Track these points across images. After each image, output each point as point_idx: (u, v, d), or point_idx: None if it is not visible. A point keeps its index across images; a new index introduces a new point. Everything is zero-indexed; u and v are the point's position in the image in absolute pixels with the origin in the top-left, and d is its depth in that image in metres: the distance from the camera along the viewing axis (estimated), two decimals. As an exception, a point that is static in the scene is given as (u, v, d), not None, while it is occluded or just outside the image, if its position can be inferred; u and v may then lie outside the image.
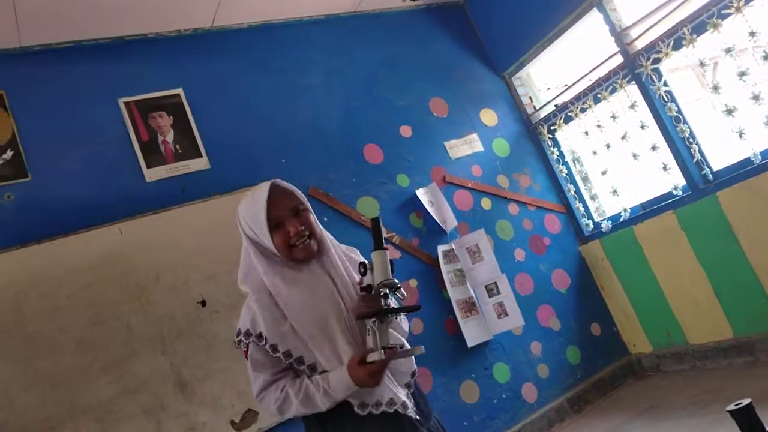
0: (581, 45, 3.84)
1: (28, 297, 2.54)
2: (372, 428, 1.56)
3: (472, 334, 3.39)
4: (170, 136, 3.04)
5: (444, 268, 3.46)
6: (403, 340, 1.65)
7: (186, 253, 2.87)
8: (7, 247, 2.57)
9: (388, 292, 1.54)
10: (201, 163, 3.08)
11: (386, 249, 1.58)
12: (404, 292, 1.59)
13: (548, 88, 4.16)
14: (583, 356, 3.70)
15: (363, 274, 1.57)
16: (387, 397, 1.56)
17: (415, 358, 1.75)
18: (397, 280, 1.56)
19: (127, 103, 3.01)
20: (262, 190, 1.63)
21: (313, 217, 1.69)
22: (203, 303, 2.82)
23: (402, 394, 1.59)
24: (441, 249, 3.50)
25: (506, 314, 3.46)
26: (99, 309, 2.64)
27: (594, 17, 3.54)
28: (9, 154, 2.70)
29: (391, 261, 1.58)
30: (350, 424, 1.57)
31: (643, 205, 3.61)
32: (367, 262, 1.58)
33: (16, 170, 2.70)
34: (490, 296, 3.49)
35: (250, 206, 1.65)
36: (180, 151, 3.04)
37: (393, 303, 1.61)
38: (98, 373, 2.56)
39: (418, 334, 3.30)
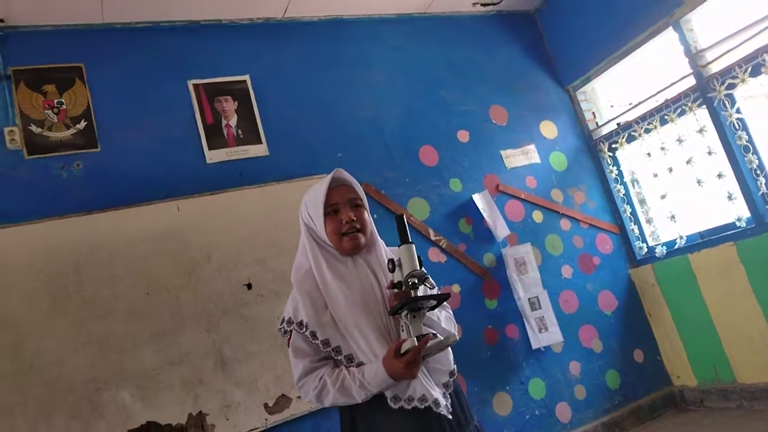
0: (651, 63, 3.73)
1: (88, 262, 2.66)
2: (399, 422, 1.57)
3: (534, 338, 3.41)
4: (233, 121, 3.12)
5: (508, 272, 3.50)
6: (441, 337, 1.65)
7: (238, 235, 2.94)
8: (73, 212, 2.70)
9: (416, 282, 1.55)
10: (260, 150, 3.15)
11: (412, 243, 1.59)
12: (433, 282, 1.59)
13: (611, 106, 4.07)
14: (622, 382, 3.61)
15: (392, 271, 1.58)
16: (420, 392, 1.56)
17: (454, 360, 1.75)
18: (425, 271, 1.57)
19: (196, 86, 3.10)
20: (329, 175, 1.70)
21: (367, 214, 1.73)
22: (249, 286, 2.89)
23: (436, 392, 1.59)
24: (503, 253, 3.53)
25: (546, 329, 3.42)
26: (152, 281, 2.74)
27: (668, 36, 3.45)
28: (82, 124, 2.83)
29: (419, 256, 1.58)
30: (378, 416, 1.59)
31: (702, 234, 3.49)
32: (395, 259, 1.60)
33: (87, 140, 2.82)
34: (532, 309, 3.46)
35: (314, 190, 1.72)
36: (241, 136, 3.12)
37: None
38: (145, 342, 2.65)
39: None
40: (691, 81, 3.34)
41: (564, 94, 4.13)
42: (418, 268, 1.55)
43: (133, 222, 2.78)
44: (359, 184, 1.78)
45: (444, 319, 1.74)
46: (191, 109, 3.07)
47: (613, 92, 4.08)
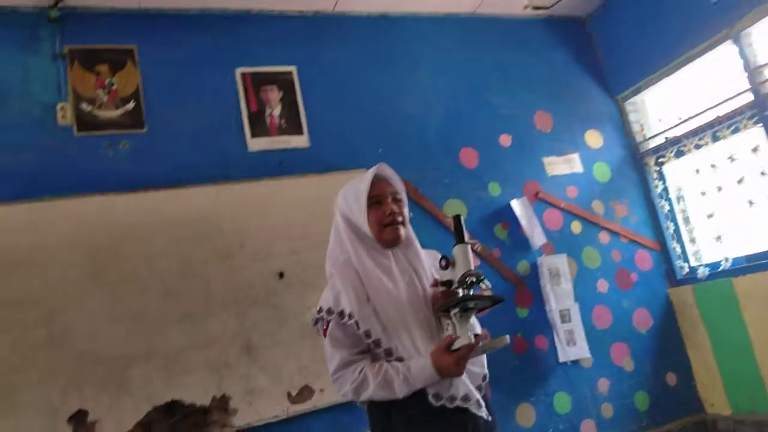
0: (706, 77, 3.60)
1: (127, 239, 2.71)
2: (438, 421, 1.54)
3: (561, 350, 3.34)
4: (277, 111, 3.15)
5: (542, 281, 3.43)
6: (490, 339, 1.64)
7: (273, 224, 2.96)
8: (115, 190, 2.76)
9: (474, 281, 1.53)
10: (301, 141, 3.16)
11: (468, 243, 1.58)
12: (488, 284, 1.57)
13: (659, 120, 3.95)
14: (652, 404, 3.50)
15: (444, 268, 1.57)
16: (463, 391, 1.55)
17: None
18: (481, 272, 1.55)
19: (243, 74, 3.14)
20: (372, 169, 1.72)
21: (407, 210, 1.73)
22: (281, 275, 2.91)
23: (477, 393, 1.57)
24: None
25: (574, 344, 3.35)
26: (187, 263, 2.78)
27: (726, 49, 3.33)
28: (131, 105, 2.89)
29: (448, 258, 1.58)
30: (417, 414, 1.56)
31: (749, 258, 3.35)
32: (448, 257, 1.58)
33: (134, 121, 2.88)
34: (562, 321, 3.39)
35: (356, 183, 1.73)
36: (284, 126, 3.14)
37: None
38: (176, 322, 2.69)
39: (483, 345, 3.24)
40: (748, 97, 3.21)
41: (612, 103, 4.03)
42: (472, 268, 1.54)
43: (172, 204, 2.83)
44: (401, 182, 1.78)
45: (476, 323, 1.72)
46: (236, 97, 3.11)
47: (664, 104, 3.96)
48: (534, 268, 3.46)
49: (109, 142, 2.83)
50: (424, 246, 3.26)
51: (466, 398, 1.54)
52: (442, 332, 1.59)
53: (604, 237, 3.71)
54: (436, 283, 1.62)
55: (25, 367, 2.45)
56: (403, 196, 1.77)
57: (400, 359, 1.57)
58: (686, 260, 3.76)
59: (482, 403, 1.57)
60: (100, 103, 2.85)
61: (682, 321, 3.71)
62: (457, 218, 1.65)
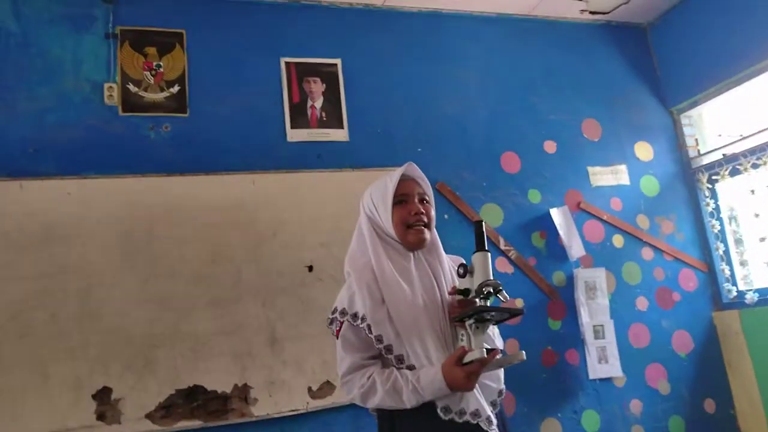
0: (769, 94, 3.42)
1: (161, 221, 2.74)
2: None
3: (593, 366, 3.22)
4: (319, 103, 3.13)
5: (576, 294, 3.30)
6: (506, 354, 1.57)
7: (306, 216, 2.95)
8: (154, 172, 2.79)
9: (491, 291, 1.47)
10: (341, 135, 3.14)
11: (488, 251, 1.52)
12: (507, 295, 1.51)
13: (719, 135, 3.76)
14: (688, 430, 3.34)
15: (462, 276, 1.52)
16: (473, 407, 1.49)
17: (504, 379, 1.66)
18: (500, 282, 1.49)
19: (287, 63, 3.13)
20: (401, 168, 1.68)
21: (433, 213, 1.68)
22: (310, 268, 2.89)
23: (489, 409, 1.51)
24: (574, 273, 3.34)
25: (606, 361, 3.23)
26: (218, 249, 2.79)
27: (795, 66, 3.14)
28: (176, 88, 2.92)
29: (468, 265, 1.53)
30: (424, 427, 1.51)
31: (802, 286, 3.17)
32: (467, 264, 1.53)
33: (178, 104, 2.91)
34: (596, 338, 3.27)
35: (383, 181, 1.69)
36: (324, 119, 3.12)
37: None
38: (204, 308, 2.71)
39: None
40: (814, 118, 3.03)
41: (667, 116, 3.86)
42: (492, 278, 1.48)
43: (208, 189, 2.84)
44: (429, 183, 1.73)
45: (497, 335, 1.65)
46: (280, 86, 3.10)
47: (722, 120, 3.77)
48: (570, 280, 3.35)
49: (152, 125, 2.86)
50: (458, 251, 3.21)
51: (476, 414, 1.48)
52: (457, 342, 1.53)
53: (647, 253, 3.56)
54: (454, 291, 1.56)
55: (59, 339, 2.50)
56: (431, 199, 1.72)
57: (411, 367, 1.53)
58: (734, 284, 3.57)
59: (493, 420, 1.51)
60: (147, 85, 2.88)
61: (725, 347, 3.53)
62: (478, 224, 1.59)
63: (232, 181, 2.88)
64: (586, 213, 3.50)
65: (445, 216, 3.21)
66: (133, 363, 2.56)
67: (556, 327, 3.28)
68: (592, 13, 3.75)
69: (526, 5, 3.59)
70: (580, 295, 3.30)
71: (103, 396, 2.50)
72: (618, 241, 3.52)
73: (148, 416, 2.53)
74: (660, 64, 3.91)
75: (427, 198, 1.71)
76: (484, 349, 1.43)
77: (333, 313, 1.64)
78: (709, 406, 3.43)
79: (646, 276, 3.53)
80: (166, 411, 2.55)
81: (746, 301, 3.39)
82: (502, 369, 1.60)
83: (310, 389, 2.74)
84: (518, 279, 3.28)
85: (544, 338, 3.25)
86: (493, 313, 1.45)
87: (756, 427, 3.35)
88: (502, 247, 3.28)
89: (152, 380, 2.57)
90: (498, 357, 1.46)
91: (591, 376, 3.19)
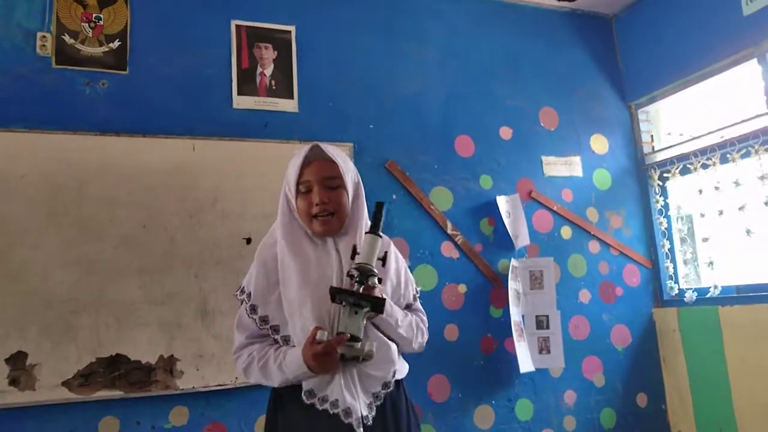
0: (724, 95, 3.42)
1: (92, 182, 2.61)
2: (309, 420, 1.47)
3: (524, 360, 3.16)
4: (269, 70, 3.01)
5: (510, 284, 3.25)
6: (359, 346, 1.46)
7: (249, 186, 2.85)
8: (88, 130, 2.65)
9: (355, 275, 1.42)
10: (290, 105, 3.03)
11: (380, 237, 1.47)
12: (375, 282, 1.45)
13: (668, 133, 3.77)
14: (618, 423, 3.39)
15: (352, 258, 1.47)
16: (335, 396, 1.46)
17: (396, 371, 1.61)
18: (374, 269, 1.43)
19: (238, 27, 3.00)
20: (302, 150, 1.57)
21: (345, 196, 1.59)
22: (248, 240, 2.80)
23: (355, 401, 1.46)
24: (513, 263, 3.29)
25: (548, 351, 3.23)
26: (152, 214, 2.68)
27: (750, 68, 3.14)
28: (116, 44, 2.77)
29: (385, 253, 1.49)
30: (294, 408, 1.50)
31: (739, 288, 3.20)
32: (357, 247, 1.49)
33: (117, 61, 2.76)
34: (538, 328, 3.27)
35: (292, 162, 1.61)
36: (273, 88, 3.01)
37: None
38: (132, 275, 2.60)
39: (451, 340, 3.14)
40: (764, 122, 3.03)
41: (625, 110, 3.85)
42: (371, 263, 1.42)
43: (145, 152, 2.72)
44: (349, 161, 1.65)
45: (407, 325, 1.60)
46: (228, 50, 2.97)
47: (677, 118, 3.78)
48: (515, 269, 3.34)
49: (88, 80, 2.71)
50: (404, 233, 3.15)
51: (336, 404, 1.45)
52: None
53: (594, 246, 3.57)
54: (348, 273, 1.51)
55: (-24, 299, 2.37)
56: (343, 180, 1.59)
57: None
58: (676, 281, 3.61)
59: (357, 412, 1.45)
60: (84, 38, 2.72)
61: (662, 343, 3.58)
62: (379, 205, 1.52)
63: (171, 144, 2.76)
64: (537, 202, 3.48)
65: (393, 196, 3.15)
66: (52, 328, 2.45)
67: (497, 315, 3.27)
68: (558, 0, 3.69)
69: (492, -14, 3.51)
70: (525, 285, 3.29)
71: (17, 360, 2.39)
72: (566, 232, 3.52)
73: (65, 384, 2.43)
74: (622, 57, 3.89)
75: (336, 182, 1.58)
76: (325, 333, 1.40)
77: (238, 288, 1.61)
78: (642, 400, 3.48)
79: (591, 269, 3.54)
80: (84, 379, 2.46)
81: (685, 300, 3.43)
82: (395, 361, 1.56)
83: (238, 364, 2.67)
84: (463, 264, 3.25)
85: (484, 325, 3.24)
86: (353, 298, 1.39)
87: (684, 423, 3.42)
88: (449, 231, 3.24)
89: (72, 347, 2.47)
90: (355, 345, 1.40)
91: (525, 368, 3.15)
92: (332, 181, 1.58)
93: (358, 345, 1.40)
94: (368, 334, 1.48)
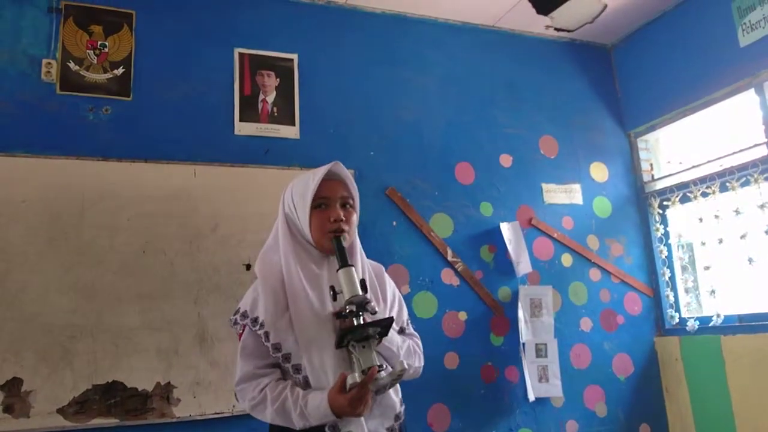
0: (723, 124, 3.45)
1: (93, 208, 2.61)
2: None
3: (534, 386, 3.16)
4: (271, 97, 3.04)
5: (519, 312, 3.24)
6: (397, 361, 1.46)
7: (249, 212, 2.85)
8: (90, 156, 2.66)
9: (354, 309, 1.40)
10: (291, 132, 3.05)
11: (351, 266, 1.44)
12: (374, 307, 1.43)
13: (668, 162, 3.79)
14: (621, 454, 3.34)
15: (334, 300, 1.44)
16: (358, 430, 1.42)
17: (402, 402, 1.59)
18: (367, 296, 1.41)
19: (241, 54, 3.03)
20: (325, 166, 1.58)
21: (355, 218, 1.61)
22: (248, 267, 2.79)
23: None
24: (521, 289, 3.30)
25: (547, 380, 3.20)
26: (152, 240, 2.68)
27: (748, 98, 3.17)
28: (120, 71, 2.80)
29: (362, 280, 1.44)
30: None
31: (741, 317, 3.18)
32: (335, 287, 1.45)
33: (121, 87, 2.78)
34: (537, 356, 3.24)
35: (305, 178, 1.60)
36: (275, 114, 3.03)
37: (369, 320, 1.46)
38: (130, 300, 2.59)
39: (452, 369, 3.10)
40: (763, 151, 3.05)
41: (624, 138, 3.88)
42: (359, 293, 1.40)
43: (146, 177, 2.72)
44: (355, 185, 1.66)
45: (406, 349, 1.58)
46: (231, 77, 3.00)
47: (677, 146, 3.80)
48: (516, 296, 3.32)
49: (92, 106, 2.73)
50: (405, 259, 3.14)
51: None
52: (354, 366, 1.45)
53: (594, 274, 3.55)
54: (336, 315, 1.48)
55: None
56: (355, 203, 1.63)
57: (307, 378, 1.46)
58: (678, 310, 3.59)
59: None
60: (89, 65, 2.75)
61: (664, 372, 3.54)
62: (336, 240, 1.51)
63: (172, 170, 2.77)
64: (537, 230, 3.48)
65: (394, 223, 3.15)
66: (48, 354, 2.43)
67: (498, 342, 3.24)
68: (557, 29, 3.74)
69: (491, 16, 3.56)
70: (525, 312, 3.27)
71: (12, 387, 2.36)
72: (567, 260, 3.51)
73: (60, 411, 2.39)
74: (621, 86, 3.93)
75: (350, 202, 1.62)
76: (356, 375, 1.36)
77: (236, 314, 1.57)
78: (644, 430, 3.43)
79: (592, 297, 3.52)
80: (80, 406, 2.42)
81: (687, 328, 3.41)
82: (399, 393, 1.54)
83: (236, 393, 2.63)
84: (463, 291, 3.24)
85: (485, 353, 3.21)
86: (362, 331, 1.37)
87: (688, 455, 3.37)
88: (450, 258, 3.23)
89: (68, 373, 2.44)
90: (381, 375, 1.38)
91: (529, 395, 3.13)
92: (349, 201, 1.61)
93: (384, 374, 1.38)
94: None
